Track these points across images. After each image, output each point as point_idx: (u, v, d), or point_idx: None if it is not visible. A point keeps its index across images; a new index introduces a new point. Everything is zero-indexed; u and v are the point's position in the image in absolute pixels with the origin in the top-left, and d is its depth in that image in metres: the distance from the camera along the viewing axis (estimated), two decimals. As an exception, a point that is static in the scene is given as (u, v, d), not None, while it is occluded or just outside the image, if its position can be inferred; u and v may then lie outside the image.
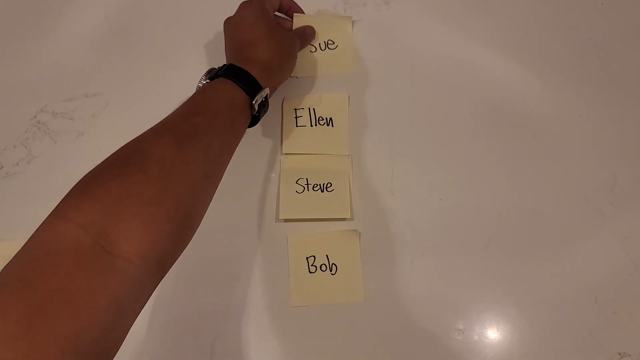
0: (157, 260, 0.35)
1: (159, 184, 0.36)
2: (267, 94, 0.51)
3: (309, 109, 0.62)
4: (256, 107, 0.49)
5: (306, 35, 0.63)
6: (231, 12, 0.67)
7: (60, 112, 0.63)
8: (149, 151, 0.38)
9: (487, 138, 0.60)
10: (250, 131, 0.61)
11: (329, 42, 0.65)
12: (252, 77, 0.48)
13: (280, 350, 0.54)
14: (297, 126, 0.61)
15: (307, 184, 0.58)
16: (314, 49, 0.65)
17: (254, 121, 0.51)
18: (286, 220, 0.58)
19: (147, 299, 0.36)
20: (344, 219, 0.57)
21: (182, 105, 0.45)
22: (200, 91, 0.47)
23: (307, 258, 0.56)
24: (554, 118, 0.61)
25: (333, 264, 0.56)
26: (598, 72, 0.63)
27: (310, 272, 0.56)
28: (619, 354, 0.52)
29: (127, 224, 0.34)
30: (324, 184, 0.58)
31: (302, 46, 0.62)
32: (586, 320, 0.53)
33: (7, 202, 0.60)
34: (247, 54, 0.52)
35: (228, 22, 0.56)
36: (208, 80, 0.49)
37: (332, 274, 0.56)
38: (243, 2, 0.56)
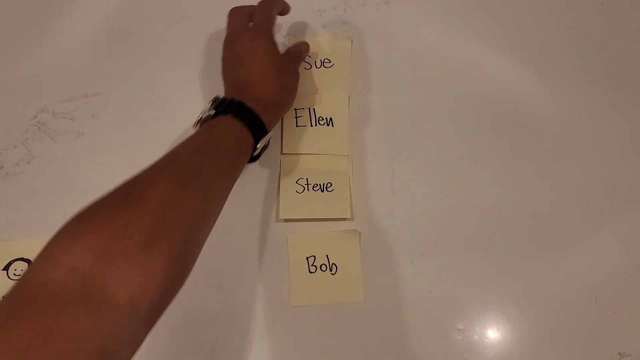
0: (148, 305, 0.34)
1: (154, 226, 0.35)
2: (270, 137, 0.50)
3: (309, 109, 0.62)
4: (259, 149, 0.49)
5: (302, 53, 0.62)
6: (231, 12, 0.67)
7: (61, 112, 0.63)
8: (147, 190, 0.37)
9: (487, 138, 0.60)
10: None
11: (325, 60, 0.65)
12: (260, 120, 0.48)
13: (280, 350, 0.54)
14: (297, 126, 0.61)
15: (307, 184, 0.58)
16: (308, 66, 0.64)
17: (252, 159, 0.50)
18: (286, 220, 0.58)
19: (138, 346, 0.34)
20: (344, 219, 0.57)
21: (187, 140, 0.44)
22: (207, 128, 0.46)
23: (307, 258, 0.56)
24: (554, 118, 0.61)
25: (333, 264, 0.56)
26: (598, 72, 0.63)
27: (310, 272, 0.56)
28: (619, 354, 0.52)
29: (117, 267, 0.33)
30: (324, 184, 0.58)
31: (299, 64, 0.62)
32: (586, 320, 0.53)
33: (7, 202, 0.60)
34: (255, 92, 0.50)
35: (232, 47, 0.54)
36: (213, 111, 0.48)
37: (332, 274, 0.56)
38: (253, 28, 0.54)
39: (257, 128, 0.47)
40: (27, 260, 0.57)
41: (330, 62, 0.64)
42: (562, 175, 0.58)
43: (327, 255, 0.56)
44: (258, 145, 0.48)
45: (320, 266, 0.56)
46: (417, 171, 0.59)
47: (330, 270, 0.56)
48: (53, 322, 0.29)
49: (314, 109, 0.62)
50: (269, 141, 0.52)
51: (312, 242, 0.57)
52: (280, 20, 0.66)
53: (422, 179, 0.59)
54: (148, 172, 0.40)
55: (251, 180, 0.59)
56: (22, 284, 0.32)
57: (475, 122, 0.61)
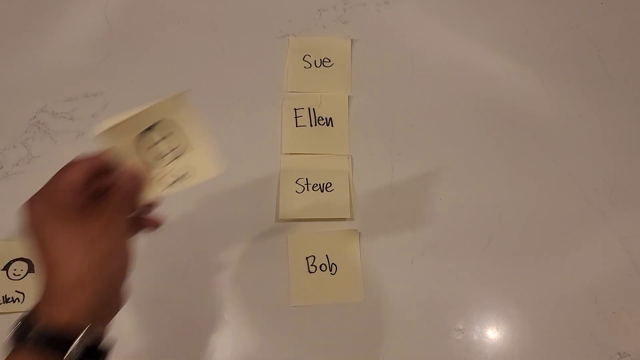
0: None
1: None
2: (97, 334, 0.34)
3: (309, 109, 0.62)
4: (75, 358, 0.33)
5: (130, 193, 0.38)
6: (231, 11, 0.67)
7: (60, 112, 0.63)
8: None
9: (487, 138, 0.60)
10: (250, 131, 0.62)
11: (325, 60, 0.64)
12: (53, 329, 0.33)
13: (280, 350, 0.53)
14: (297, 126, 0.61)
15: (307, 184, 0.58)
16: (308, 66, 0.64)
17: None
18: (286, 221, 0.58)
19: None
20: (344, 219, 0.57)
21: None
22: None
23: (307, 258, 0.56)
24: (554, 118, 0.61)
25: (333, 263, 0.56)
26: (598, 72, 0.63)
27: (310, 272, 0.56)
28: (619, 354, 0.52)
29: None
30: (324, 183, 0.58)
31: (135, 205, 0.39)
32: (586, 320, 0.53)
33: (7, 202, 0.60)
34: (49, 291, 0.35)
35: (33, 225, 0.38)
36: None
37: (332, 273, 0.56)
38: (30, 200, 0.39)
39: (56, 341, 0.33)
40: (27, 260, 0.57)
41: (330, 61, 0.64)
42: (562, 175, 0.58)
43: (326, 255, 0.56)
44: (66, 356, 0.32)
45: (320, 266, 0.56)
46: (417, 171, 0.59)
47: (330, 270, 0.56)
48: None
49: (313, 109, 0.62)
50: (102, 335, 0.35)
51: (312, 242, 0.57)
52: (279, 20, 0.67)
53: (422, 179, 0.59)
54: None
55: (251, 180, 0.59)
56: None
57: (475, 122, 0.61)
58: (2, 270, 0.56)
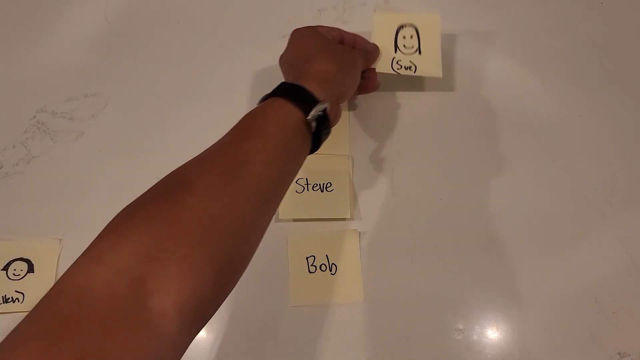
0: (196, 313, 0.31)
1: (202, 223, 0.32)
2: (325, 108, 0.43)
3: (309, 108, 0.62)
4: (313, 124, 0.42)
5: (369, 52, 0.57)
6: (231, 11, 0.67)
7: (60, 112, 0.63)
8: (193, 184, 0.33)
9: (487, 138, 0.60)
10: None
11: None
12: (305, 91, 0.42)
13: (280, 350, 0.53)
14: (297, 126, 0.61)
15: (307, 184, 0.58)
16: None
17: (316, 144, 0.45)
18: (286, 220, 0.58)
19: (182, 355, 0.31)
20: (344, 219, 0.57)
21: (230, 130, 0.40)
22: (249, 114, 0.41)
23: (307, 258, 0.56)
24: (554, 118, 0.61)
25: (333, 263, 0.56)
26: (598, 72, 0.63)
27: (310, 272, 0.56)
28: (619, 354, 0.52)
29: (165, 270, 0.30)
30: (323, 183, 0.58)
31: (367, 64, 0.56)
32: (586, 320, 0.53)
33: (6, 202, 0.60)
34: (299, 69, 0.47)
35: (281, 55, 0.53)
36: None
37: (332, 273, 0.56)
38: (293, 30, 0.53)
39: (303, 99, 0.42)
40: (27, 260, 0.57)
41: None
42: (562, 175, 0.58)
43: (326, 255, 0.56)
44: (309, 118, 0.41)
45: (320, 266, 0.56)
46: (417, 171, 0.59)
47: (330, 270, 0.56)
48: (99, 335, 0.27)
49: (314, 108, 0.62)
50: (329, 119, 0.44)
51: (312, 242, 0.57)
52: (279, 19, 0.67)
53: (422, 179, 0.59)
54: (193, 166, 0.36)
55: (251, 180, 0.59)
56: (67, 282, 0.29)
57: (475, 122, 0.61)
58: (2, 270, 0.56)
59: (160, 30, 0.67)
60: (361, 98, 0.62)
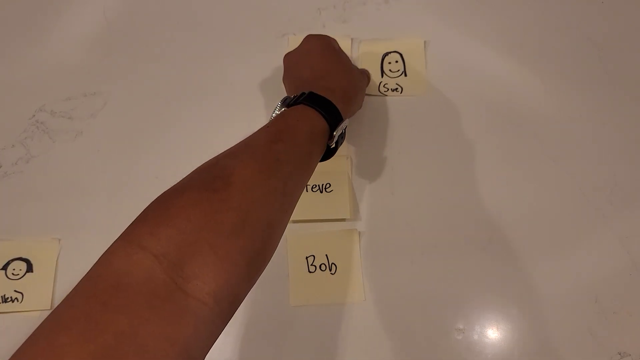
0: (229, 300, 0.31)
1: (238, 214, 0.33)
2: (346, 126, 0.48)
3: (309, 108, 0.62)
4: (336, 138, 0.46)
5: (368, 76, 0.62)
6: (230, 10, 0.67)
7: (59, 112, 0.63)
8: (230, 176, 0.35)
9: (487, 138, 0.60)
10: (249, 131, 0.61)
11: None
12: (334, 107, 0.46)
13: (280, 350, 0.53)
14: (297, 126, 0.61)
15: (306, 185, 0.58)
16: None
17: (327, 154, 0.48)
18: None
19: (213, 343, 0.31)
20: (344, 220, 0.57)
21: (261, 129, 0.42)
22: (281, 117, 0.44)
23: (306, 258, 0.56)
24: (554, 118, 0.61)
25: (333, 263, 0.56)
26: (598, 72, 0.63)
27: (310, 272, 0.56)
28: (619, 354, 0.52)
29: (203, 258, 0.30)
30: (322, 184, 0.58)
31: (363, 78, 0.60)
32: (586, 320, 0.53)
33: (5, 201, 0.60)
34: (325, 83, 0.49)
35: (291, 56, 0.55)
36: (285, 109, 0.46)
37: (332, 273, 0.56)
38: (307, 36, 0.56)
39: (332, 114, 0.45)
40: (26, 260, 0.57)
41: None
42: (562, 175, 0.58)
43: (326, 255, 0.56)
44: (335, 133, 0.45)
45: (320, 266, 0.56)
46: (417, 171, 0.59)
47: (330, 270, 0.56)
48: (138, 319, 0.27)
49: (313, 108, 0.62)
50: (344, 134, 0.48)
51: (312, 241, 0.57)
52: (279, 19, 0.67)
53: (422, 179, 0.59)
54: (228, 158, 0.37)
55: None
56: (106, 265, 0.29)
57: (475, 122, 0.61)
58: (1, 269, 0.56)
59: (159, 30, 0.67)
60: (361, 98, 0.62)
